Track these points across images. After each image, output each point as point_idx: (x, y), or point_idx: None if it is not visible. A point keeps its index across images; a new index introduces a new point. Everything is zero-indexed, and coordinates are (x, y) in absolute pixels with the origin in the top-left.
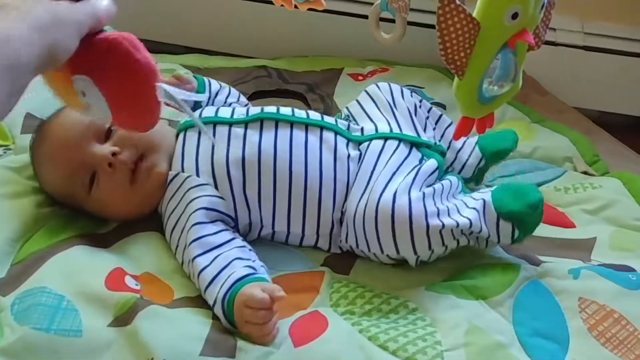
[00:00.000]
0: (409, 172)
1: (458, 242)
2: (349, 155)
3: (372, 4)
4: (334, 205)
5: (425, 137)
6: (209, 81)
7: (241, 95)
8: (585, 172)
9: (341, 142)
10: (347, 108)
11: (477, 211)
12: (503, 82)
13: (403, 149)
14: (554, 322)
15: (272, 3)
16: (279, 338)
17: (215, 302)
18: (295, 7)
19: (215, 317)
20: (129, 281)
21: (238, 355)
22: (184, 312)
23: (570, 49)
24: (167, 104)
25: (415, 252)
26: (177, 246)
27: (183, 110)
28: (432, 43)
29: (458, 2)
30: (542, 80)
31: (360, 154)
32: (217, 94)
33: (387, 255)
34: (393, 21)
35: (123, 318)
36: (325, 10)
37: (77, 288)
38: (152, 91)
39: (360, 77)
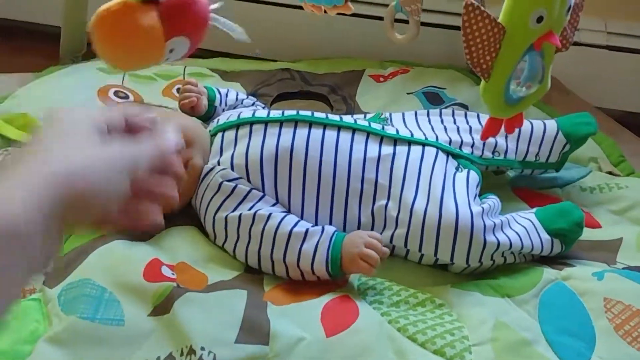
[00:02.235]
0: (460, 182)
1: (505, 260)
2: (379, 156)
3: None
4: (360, 204)
5: (443, 141)
6: (217, 88)
7: (249, 96)
8: (610, 173)
9: (373, 143)
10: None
11: (526, 229)
12: (530, 83)
13: (442, 157)
14: (580, 321)
15: (292, 7)
16: (310, 323)
17: (316, 248)
18: (325, 12)
19: (250, 298)
20: (165, 271)
21: (271, 343)
22: (218, 296)
23: (593, 48)
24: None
25: (467, 262)
26: (225, 223)
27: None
28: (451, 44)
29: (482, 8)
30: (565, 80)
31: (394, 154)
32: (226, 94)
33: (437, 259)
34: (408, 22)
35: (161, 307)
36: (344, 13)
37: (117, 280)
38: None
39: (381, 78)
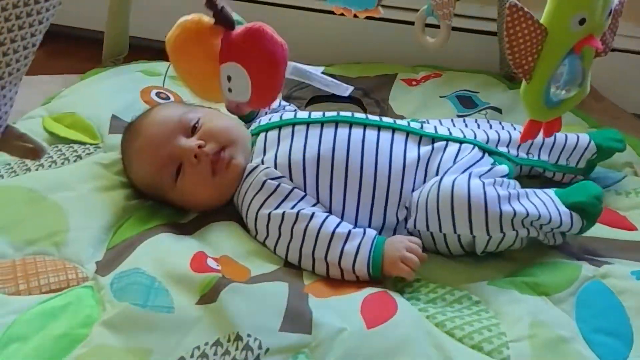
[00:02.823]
0: (482, 168)
1: (528, 232)
2: (418, 157)
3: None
4: (399, 204)
5: (480, 139)
6: None
7: (290, 104)
8: None
9: (412, 142)
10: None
11: (544, 202)
12: (570, 86)
13: (477, 153)
14: (617, 321)
15: (324, 12)
16: (350, 315)
17: (358, 249)
18: (355, 15)
19: (291, 290)
20: (210, 263)
21: (314, 332)
22: (261, 287)
23: (627, 54)
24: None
25: (488, 233)
26: (268, 220)
27: (311, 82)
28: (483, 49)
29: (526, 9)
30: (599, 86)
31: (432, 150)
32: None
33: (458, 236)
34: (439, 26)
35: (207, 296)
36: (376, 18)
37: (166, 270)
38: (283, 70)
39: (414, 82)
